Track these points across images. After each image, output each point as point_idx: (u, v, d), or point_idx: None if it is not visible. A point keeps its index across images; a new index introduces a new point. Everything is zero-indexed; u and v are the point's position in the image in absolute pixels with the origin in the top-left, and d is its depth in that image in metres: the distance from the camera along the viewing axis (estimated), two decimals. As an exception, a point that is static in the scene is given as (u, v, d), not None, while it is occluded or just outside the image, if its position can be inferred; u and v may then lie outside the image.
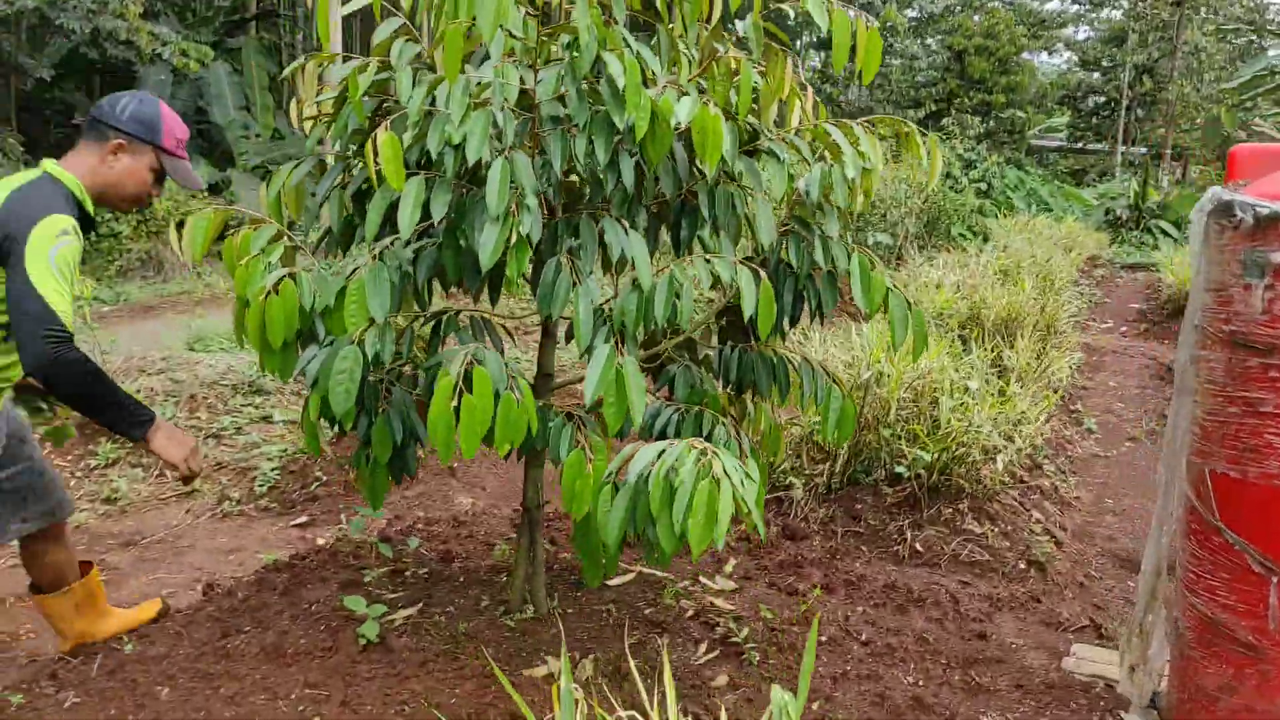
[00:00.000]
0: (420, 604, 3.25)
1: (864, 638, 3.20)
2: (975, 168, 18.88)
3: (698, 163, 2.68)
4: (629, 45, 2.43)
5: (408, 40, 2.68)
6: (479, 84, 2.51)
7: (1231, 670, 2.38)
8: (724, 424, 2.83)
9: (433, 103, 2.50)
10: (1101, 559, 4.61)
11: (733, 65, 2.59)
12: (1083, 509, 5.16)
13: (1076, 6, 34.50)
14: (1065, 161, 35.94)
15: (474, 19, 2.27)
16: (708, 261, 2.50)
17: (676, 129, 2.45)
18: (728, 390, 3.09)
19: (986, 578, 3.95)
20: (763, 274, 2.53)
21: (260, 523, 4.68)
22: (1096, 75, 34.70)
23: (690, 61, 2.77)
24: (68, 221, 2.64)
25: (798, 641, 3.09)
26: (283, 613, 3.24)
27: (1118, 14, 32.99)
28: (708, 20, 2.73)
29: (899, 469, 4.26)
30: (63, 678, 3.05)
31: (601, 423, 2.52)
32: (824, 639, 3.14)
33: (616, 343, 2.47)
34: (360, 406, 2.64)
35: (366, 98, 2.68)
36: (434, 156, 2.37)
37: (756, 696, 2.81)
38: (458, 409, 2.31)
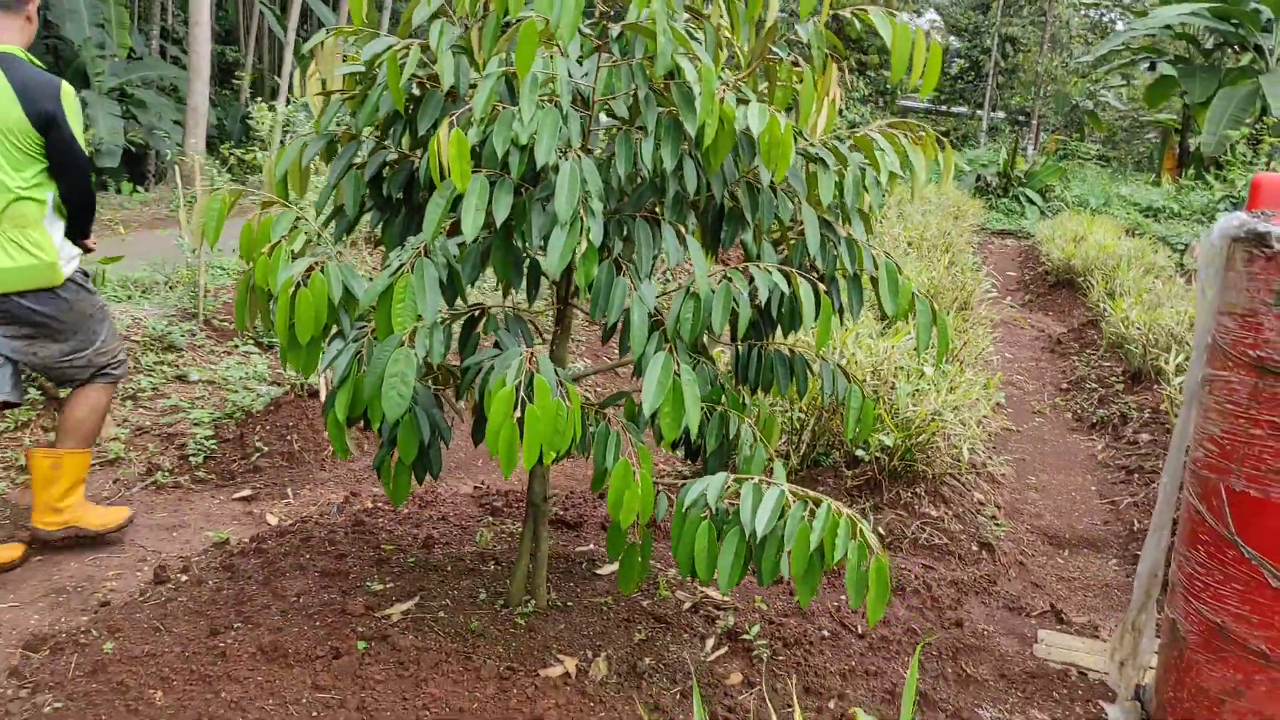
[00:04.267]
0: (416, 597, 3.16)
1: (859, 630, 3.28)
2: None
3: (754, 168, 2.64)
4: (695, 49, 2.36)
5: (448, 22, 2.54)
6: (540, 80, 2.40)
7: (1240, 676, 2.53)
8: (749, 425, 2.84)
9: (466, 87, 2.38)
10: (1032, 536, 4.83)
11: (794, 76, 2.56)
12: (1008, 485, 5.39)
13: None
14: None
15: (548, 20, 2.17)
16: (767, 272, 2.47)
17: (744, 135, 2.41)
18: (743, 388, 3.08)
19: (945, 561, 4.09)
20: (823, 288, 2.52)
21: (199, 496, 4.46)
22: (956, 41, 35.74)
23: (738, 61, 2.72)
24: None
25: (800, 636, 3.14)
26: (269, 606, 3.10)
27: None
28: (759, 24, 2.67)
29: (859, 452, 4.35)
30: (33, 677, 2.86)
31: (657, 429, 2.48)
32: (825, 634, 3.21)
33: (671, 350, 2.43)
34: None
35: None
36: (499, 156, 2.27)
37: (773, 695, 2.86)
38: (519, 420, 2.24)
